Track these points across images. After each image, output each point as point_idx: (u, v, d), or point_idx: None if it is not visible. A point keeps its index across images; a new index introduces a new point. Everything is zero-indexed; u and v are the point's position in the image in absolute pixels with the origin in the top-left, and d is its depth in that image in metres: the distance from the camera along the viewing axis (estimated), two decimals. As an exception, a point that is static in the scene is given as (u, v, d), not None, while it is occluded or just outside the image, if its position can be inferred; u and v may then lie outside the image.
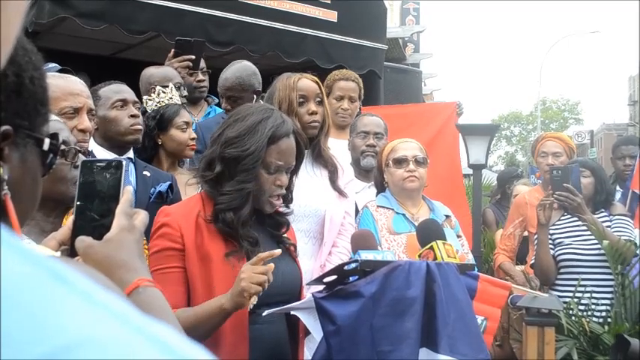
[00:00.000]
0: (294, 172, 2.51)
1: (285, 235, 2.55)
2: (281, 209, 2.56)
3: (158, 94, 3.76)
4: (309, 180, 3.32)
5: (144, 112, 3.76)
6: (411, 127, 6.06)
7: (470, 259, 3.51)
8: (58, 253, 1.27)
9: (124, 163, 1.39)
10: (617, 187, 5.52)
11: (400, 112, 6.85)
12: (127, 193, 1.33)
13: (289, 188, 2.51)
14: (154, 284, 1.24)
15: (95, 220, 1.32)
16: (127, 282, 1.21)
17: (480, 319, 2.59)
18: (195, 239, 2.31)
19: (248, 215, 2.35)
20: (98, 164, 1.38)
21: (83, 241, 1.26)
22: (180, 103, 3.78)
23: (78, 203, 1.34)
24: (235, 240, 2.33)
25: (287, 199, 2.53)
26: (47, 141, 1.03)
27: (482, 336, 2.56)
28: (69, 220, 1.37)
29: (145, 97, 3.82)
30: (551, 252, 4.31)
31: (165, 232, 2.32)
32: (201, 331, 2.16)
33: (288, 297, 2.38)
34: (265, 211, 2.43)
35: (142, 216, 1.34)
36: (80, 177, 1.36)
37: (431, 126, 6.25)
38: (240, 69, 4.37)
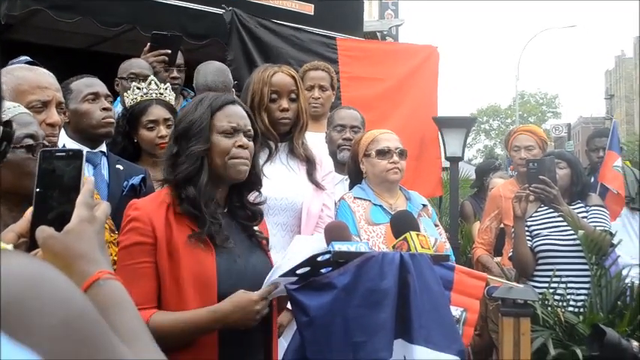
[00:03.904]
0: (255, 145, 2.51)
1: (257, 228, 2.53)
2: (254, 199, 2.55)
3: (133, 91, 3.71)
4: (286, 173, 3.30)
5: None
6: (387, 62, 6.14)
7: (447, 247, 3.51)
8: (10, 246, 1.23)
9: (84, 152, 1.36)
10: (592, 179, 5.56)
11: (378, 48, 6.92)
12: (88, 183, 1.30)
13: (255, 169, 2.51)
14: (114, 277, 1.21)
15: (55, 210, 1.29)
16: (87, 274, 1.18)
17: (459, 310, 2.58)
18: (165, 233, 2.29)
19: (208, 189, 2.35)
20: (58, 154, 1.34)
21: (44, 231, 1.23)
22: (154, 97, 3.72)
23: (37, 191, 1.31)
24: (201, 223, 2.31)
25: (257, 182, 2.53)
26: (0, 129, 1.00)
27: (463, 327, 2.56)
28: (27, 212, 1.33)
29: (125, 95, 3.79)
30: (529, 244, 4.33)
31: (136, 226, 2.30)
32: (182, 337, 2.16)
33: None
34: (235, 177, 2.41)
35: (103, 207, 1.31)
36: (39, 166, 1.32)
37: (407, 65, 6.33)
38: (218, 72, 4.42)
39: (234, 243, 2.39)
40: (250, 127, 2.46)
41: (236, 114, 2.43)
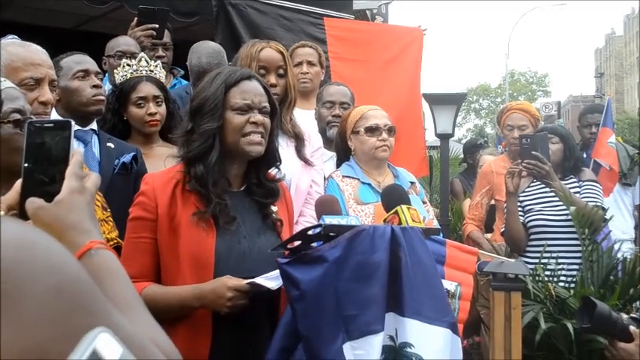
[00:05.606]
0: (273, 121, 2.49)
1: (274, 208, 2.53)
2: (274, 173, 2.56)
3: (123, 67, 3.68)
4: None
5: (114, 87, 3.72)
6: (373, 44, 6.17)
7: (435, 225, 3.51)
8: (2, 214, 1.23)
9: (72, 123, 1.35)
10: (584, 155, 5.57)
11: (365, 29, 6.93)
12: (77, 154, 1.30)
13: (272, 145, 2.50)
14: (106, 246, 1.21)
15: (44, 182, 1.28)
16: (78, 244, 1.18)
17: (454, 285, 2.58)
18: (169, 210, 2.32)
19: (218, 168, 2.35)
20: (45, 125, 1.33)
21: (34, 202, 1.23)
22: (144, 74, 3.69)
23: (25, 165, 1.30)
24: (207, 202, 2.32)
25: (274, 158, 2.53)
26: None
27: (459, 301, 2.57)
28: (16, 184, 1.32)
29: (114, 72, 3.76)
30: (521, 219, 4.34)
31: (141, 200, 2.36)
32: (166, 315, 2.14)
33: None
34: (249, 152, 2.40)
35: (92, 178, 1.30)
36: (27, 138, 1.31)
37: (393, 46, 6.34)
38: (213, 53, 4.39)
39: (242, 223, 2.40)
40: (266, 104, 2.44)
41: (251, 90, 2.41)
